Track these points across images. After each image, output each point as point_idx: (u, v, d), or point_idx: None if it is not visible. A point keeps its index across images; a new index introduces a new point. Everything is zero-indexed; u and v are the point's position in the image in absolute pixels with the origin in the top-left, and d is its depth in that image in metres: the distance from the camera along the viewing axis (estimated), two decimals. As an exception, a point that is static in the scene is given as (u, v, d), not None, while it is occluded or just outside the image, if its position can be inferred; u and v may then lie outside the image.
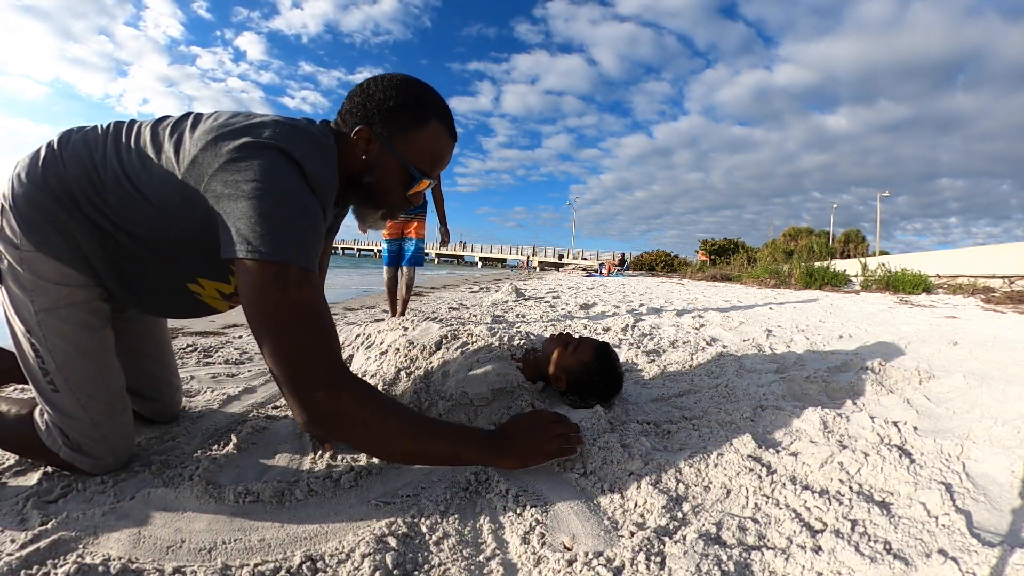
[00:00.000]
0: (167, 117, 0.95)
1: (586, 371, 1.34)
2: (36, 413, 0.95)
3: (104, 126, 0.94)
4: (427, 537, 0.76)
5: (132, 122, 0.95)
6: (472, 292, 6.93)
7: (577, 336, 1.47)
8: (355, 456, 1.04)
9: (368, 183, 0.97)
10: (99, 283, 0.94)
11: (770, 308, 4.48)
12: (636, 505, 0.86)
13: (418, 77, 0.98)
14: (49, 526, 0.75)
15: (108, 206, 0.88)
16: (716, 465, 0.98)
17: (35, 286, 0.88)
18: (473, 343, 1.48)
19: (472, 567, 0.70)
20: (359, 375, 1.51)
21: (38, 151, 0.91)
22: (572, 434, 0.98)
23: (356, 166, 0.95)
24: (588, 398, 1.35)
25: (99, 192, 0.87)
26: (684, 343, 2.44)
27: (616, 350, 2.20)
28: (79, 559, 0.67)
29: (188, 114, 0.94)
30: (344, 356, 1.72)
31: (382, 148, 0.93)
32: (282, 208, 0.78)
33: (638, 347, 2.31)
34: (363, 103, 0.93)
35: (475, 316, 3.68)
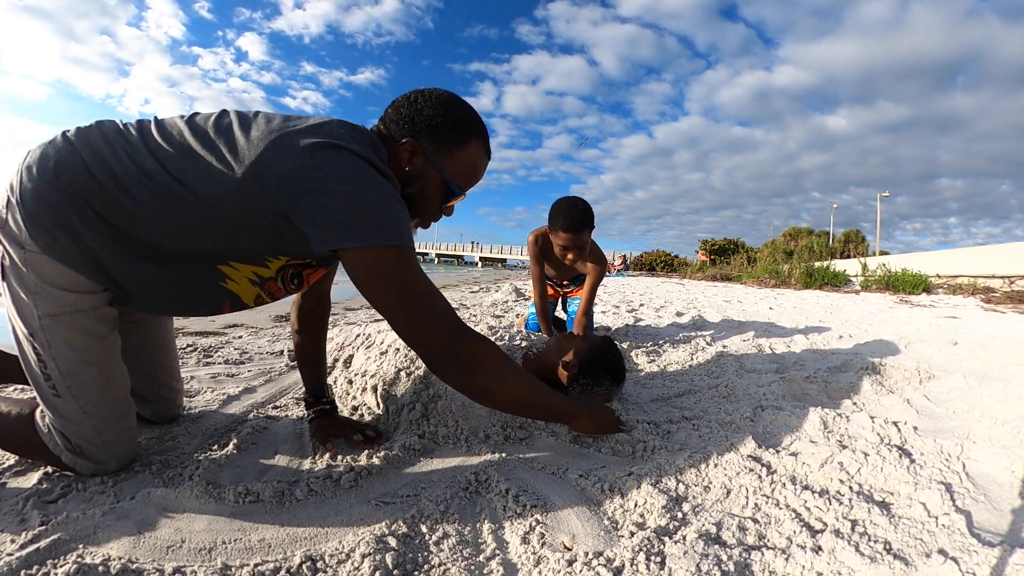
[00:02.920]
0: (198, 113, 0.93)
1: (597, 353, 1.38)
2: (37, 414, 0.94)
3: (123, 122, 0.92)
4: (427, 537, 0.76)
5: (156, 119, 0.93)
6: (472, 292, 6.93)
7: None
8: (355, 456, 1.04)
9: (409, 193, 0.99)
10: (109, 287, 0.91)
11: (770, 308, 4.48)
12: (636, 505, 0.86)
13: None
14: (49, 526, 0.75)
15: (133, 201, 0.84)
16: (716, 465, 0.98)
17: (40, 290, 0.85)
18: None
19: (472, 567, 0.70)
20: (359, 374, 1.51)
21: (50, 143, 0.87)
22: (622, 419, 1.21)
23: (399, 176, 0.97)
24: (597, 384, 1.36)
25: (120, 186, 0.84)
26: (684, 343, 2.44)
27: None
28: (79, 559, 0.67)
29: (225, 111, 0.92)
30: (344, 356, 1.72)
31: (426, 162, 0.97)
32: (380, 198, 0.84)
33: (638, 347, 2.31)
34: (411, 116, 0.96)
35: (475, 316, 3.68)
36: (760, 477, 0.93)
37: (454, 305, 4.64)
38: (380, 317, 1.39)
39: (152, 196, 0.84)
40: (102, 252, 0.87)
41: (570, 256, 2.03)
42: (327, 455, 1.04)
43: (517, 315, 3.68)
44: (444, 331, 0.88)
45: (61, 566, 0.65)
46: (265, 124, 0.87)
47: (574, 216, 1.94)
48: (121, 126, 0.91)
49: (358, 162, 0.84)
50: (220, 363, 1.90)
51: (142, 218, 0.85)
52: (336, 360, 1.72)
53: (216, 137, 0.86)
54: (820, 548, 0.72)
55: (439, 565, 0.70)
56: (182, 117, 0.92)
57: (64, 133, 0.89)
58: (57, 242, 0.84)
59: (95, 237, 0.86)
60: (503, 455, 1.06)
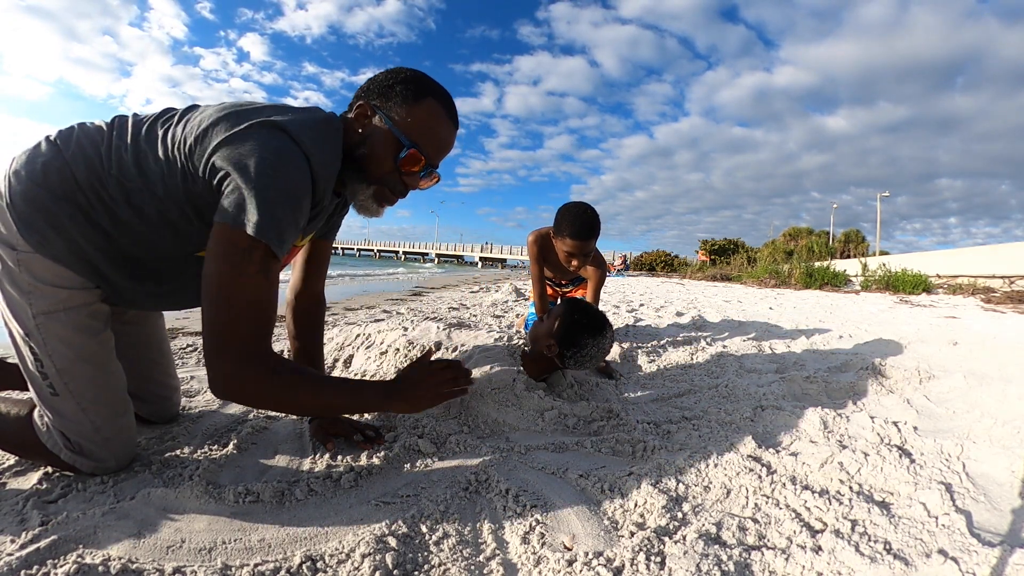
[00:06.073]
0: (172, 108, 0.96)
1: (564, 322, 1.41)
2: (36, 414, 0.94)
3: (106, 121, 0.94)
4: (427, 537, 0.76)
5: (136, 115, 0.95)
6: (472, 292, 6.92)
7: None
8: (355, 456, 1.04)
9: (360, 154, 0.97)
10: (99, 284, 0.93)
11: (770, 309, 4.48)
12: (636, 505, 0.86)
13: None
14: (49, 526, 0.75)
15: (113, 199, 0.86)
16: (716, 465, 0.98)
17: (33, 288, 0.87)
18: (473, 343, 1.48)
19: (472, 567, 0.70)
20: (358, 375, 1.51)
21: (36, 147, 0.90)
22: (461, 377, 1.06)
23: (353, 140, 0.97)
24: (581, 348, 1.39)
25: (104, 185, 0.86)
26: (684, 343, 2.44)
27: (616, 348, 2.20)
28: (79, 559, 0.67)
29: (196, 105, 0.96)
30: (344, 356, 1.72)
31: (377, 118, 0.95)
32: (277, 194, 0.80)
33: (638, 347, 2.31)
34: (367, 86, 0.98)
35: (475, 316, 3.68)
36: (760, 477, 0.93)
37: (454, 304, 4.64)
38: (380, 317, 1.38)
39: (125, 193, 0.87)
40: (90, 250, 0.89)
41: (575, 263, 1.99)
42: (327, 455, 1.04)
43: (517, 315, 3.68)
44: (226, 347, 0.79)
45: (61, 566, 0.65)
46: (216, 104, 0.91)
47: (583, 224, 1.89)
48: (102, 126, 0.93)
49: (285, 150, 0.82)
50: (220, 363, 1.90)
51: (120, 217, 0.87)
52: (336, 360, 1.72)
53: (178, 125, 0.88)
54: (820, 548, 0.72)
55: (439, 565, 0.70)
56: (157, 112, 0.95)
57: (48, 137, 0.91)
58: (47, 240, 0.86)
59: (82, 235, 0.88)
60: (503, 455, 1.06)
